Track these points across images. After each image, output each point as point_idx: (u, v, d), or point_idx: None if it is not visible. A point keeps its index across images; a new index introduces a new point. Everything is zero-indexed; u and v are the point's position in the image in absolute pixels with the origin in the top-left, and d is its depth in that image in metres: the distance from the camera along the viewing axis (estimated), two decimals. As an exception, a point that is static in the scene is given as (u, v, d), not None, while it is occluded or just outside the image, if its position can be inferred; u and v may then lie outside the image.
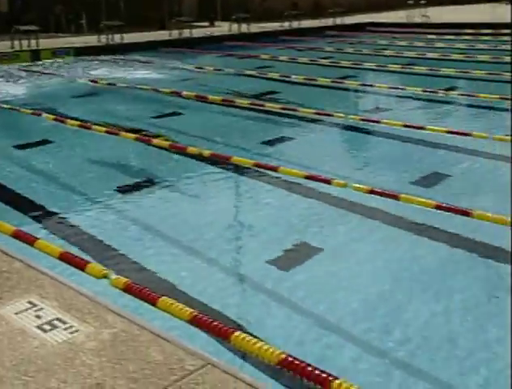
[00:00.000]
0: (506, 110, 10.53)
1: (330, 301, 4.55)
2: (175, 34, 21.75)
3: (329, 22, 27.08)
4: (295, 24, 25.15)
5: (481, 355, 3.89)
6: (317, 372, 2.92)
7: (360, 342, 4.06)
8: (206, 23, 26.15)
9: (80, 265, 4.15)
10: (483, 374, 3.70)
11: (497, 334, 4.10)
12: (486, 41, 20.77)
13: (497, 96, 10.90)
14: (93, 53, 18.42)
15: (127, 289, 3.75)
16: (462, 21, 24.64)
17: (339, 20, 27.10)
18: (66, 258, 4.32)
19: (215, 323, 3.28)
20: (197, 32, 22.51)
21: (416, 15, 27.18)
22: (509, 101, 10.66)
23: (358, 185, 6.16)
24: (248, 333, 3.91)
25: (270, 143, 8.92)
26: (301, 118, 10.22)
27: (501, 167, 7.60)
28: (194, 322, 3.36)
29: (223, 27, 24.43)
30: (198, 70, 15.56)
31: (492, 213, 5.38)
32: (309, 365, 2.95)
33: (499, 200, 6.37)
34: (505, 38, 21.00)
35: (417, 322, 4.27)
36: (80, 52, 18.28)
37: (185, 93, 11.82)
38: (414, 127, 8.81)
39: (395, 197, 5.90)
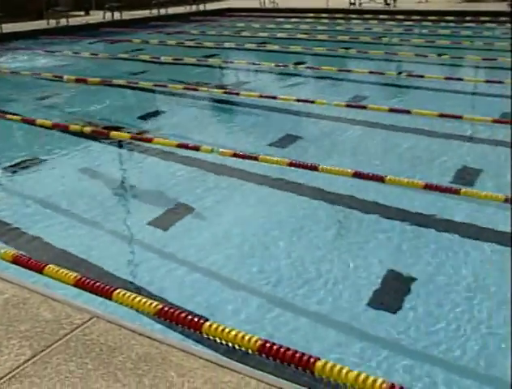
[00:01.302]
0: (342, 80, 10.88)
1: (204, 250, 4.54)
2: (52, 23, 20.58)
3: (193, 8, 26.66)
4: (163, 11, 24.51)
5: (332, 277, 4.07)
6: (189, 317, 2.92)
7: (230, 282, 4.10)
8: (81, 13, 24.89)
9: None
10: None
11: (344, 262, 4.28)
12: (324, 23, 21.25)
13: (335, 69, 11.22)
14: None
15: (16, 261, 3.54)
16: (305, 7, 24.99)
17: (201, 7, 26.73)
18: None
19: (98, 284, 3.18)
20: (73, 21, 21.40)
21: (266, 2, 27.27)
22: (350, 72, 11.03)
23: (223, 150, 6.16)
24: (135, 287, 3.86)
25: (145, 117, 8.69)
26: (172, 94, 10.05)
27: (340, 128, 7.85)
28: (78, 284, 3.24)
29: (98, 16, 23.39)
30: (77, 55, 14.84)
31: (335, 167, 5.58)
32: (182, 311, 2.93)
33: (340, 156, 6.61)
34: (339, 21, 21.65)
35: (281, 258, 4.35)
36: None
37: (66, 77, 11.24)
38: (269, 97, 8.90)
39: (255, 158, 5.95)
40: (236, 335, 2.80)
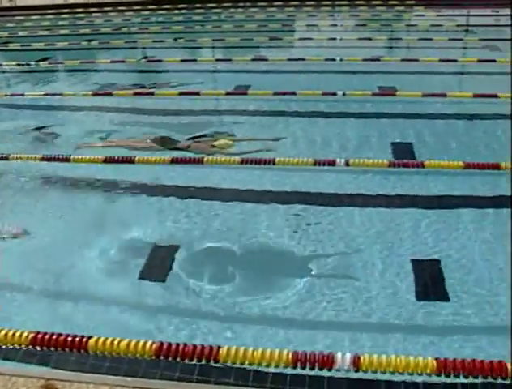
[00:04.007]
0: (88, 71, 10.42)
1: None
2: None
3: None
4: None
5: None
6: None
7: None
8: None
9: None
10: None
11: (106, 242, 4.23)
12: (65, 18, 20.18)
13: (79, 61, 10.73)
14: None
15: None
16: (44, 3, 23.46)
17: None
18: None
19: None
20: None
21: (3, 0, 24.96)
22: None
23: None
24: None
25: None
26: None
27: (90, 116, 7.52)
28: None
29: None
30: None
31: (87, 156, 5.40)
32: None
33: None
34: (80, 15, 20.75)
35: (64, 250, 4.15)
36: None
37: None
38: (14, 95, 8.31)
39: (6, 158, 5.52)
40: (6, 334, 2.65)
